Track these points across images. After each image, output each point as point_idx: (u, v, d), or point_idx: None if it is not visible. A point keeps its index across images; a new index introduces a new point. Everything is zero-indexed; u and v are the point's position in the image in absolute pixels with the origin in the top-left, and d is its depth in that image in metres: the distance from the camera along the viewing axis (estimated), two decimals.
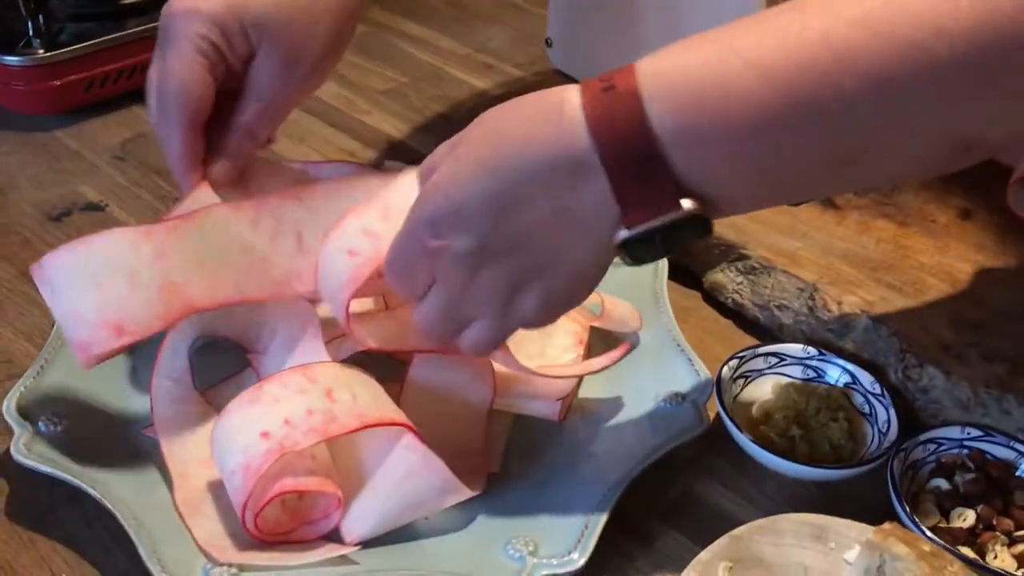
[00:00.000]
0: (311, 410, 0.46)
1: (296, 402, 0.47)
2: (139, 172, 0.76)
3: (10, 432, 0.53)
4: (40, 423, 0.50)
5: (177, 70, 0.53)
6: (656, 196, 0.40)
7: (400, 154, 0.80)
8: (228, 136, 0.56)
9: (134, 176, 0.76)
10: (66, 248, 0.48)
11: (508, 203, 0.41)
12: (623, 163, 0.39)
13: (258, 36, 0.54)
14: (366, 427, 0.46)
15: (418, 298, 0.46)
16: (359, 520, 0.47)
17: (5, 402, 0.51)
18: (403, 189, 0.48)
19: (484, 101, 0.80)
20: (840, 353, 0.58)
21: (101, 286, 0.47)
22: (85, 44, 0.80)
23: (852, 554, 0.47)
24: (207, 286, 0.50)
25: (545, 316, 0.45)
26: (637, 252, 0.42)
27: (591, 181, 0.40)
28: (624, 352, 0.56)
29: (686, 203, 0.40)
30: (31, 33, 0.78)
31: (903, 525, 0.49)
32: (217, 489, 0.49)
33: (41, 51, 0.78)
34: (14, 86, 0.79)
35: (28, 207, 0.72)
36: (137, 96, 0.85)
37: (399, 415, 0.48)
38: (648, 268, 0.64)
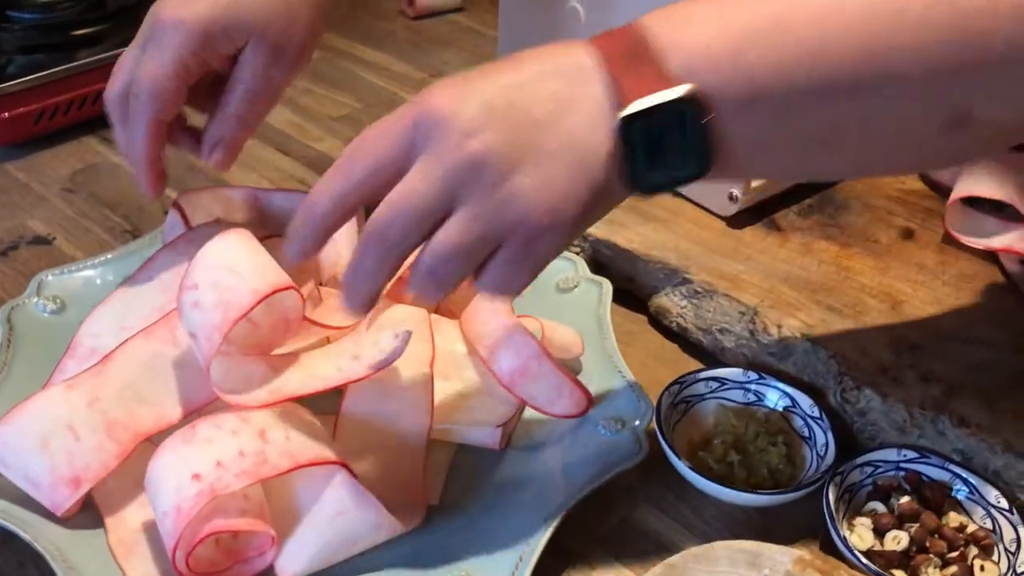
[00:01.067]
0: (243, 452, 0.46)
1: (228, 443, 0.47)
2: (88, 204, 0.76)
3: None
4: None
5: (153, 73, 0.55)
6: (649, 76, 0.40)
7: None
8: (222, 127, 0.58)
9: (83, 208, 0.76)
10: (3, 421, 0.49)
11: (511, 98, 0.41)
12: (619, 54, 0.41)
13: (243, 36, 0.56)
14: (299, 467, 0.46)
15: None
16: (293, 558, 0.47)
17: None
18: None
19: None
20: (780, 376, 0.58)
21: (47, 447, 0.49)
22: (35, 76, 0.80)
23: None
24: (154, 413, 0.52)
25: (547, 207, 0.41)
26: (640, 143, 0.41)
27: (592, 78, 0.41)
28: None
29: (681, 87, 0.40)
30: None
31: (837, 549, 0.49)
32: (152, 529, 0.49)
33: None
34: None
35: None
36: (88, 127, 0.85)
37: (331, 454, 0.48)
38: (592, 293, 0.64)
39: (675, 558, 0.48)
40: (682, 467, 0.53)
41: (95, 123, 0.85)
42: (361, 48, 1.03)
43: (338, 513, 0.47)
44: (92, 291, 0.62)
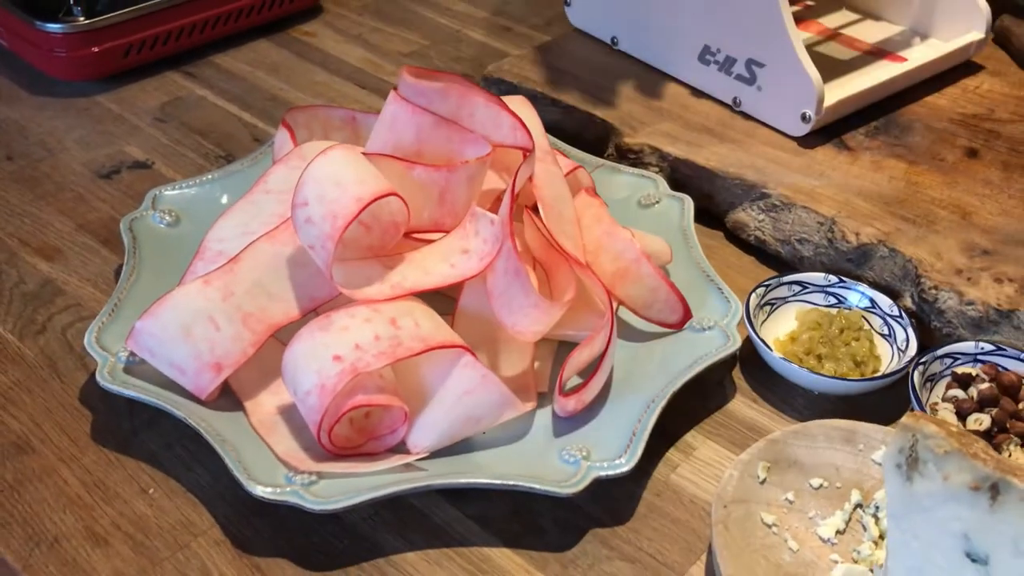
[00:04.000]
0: (378, 336, 0.50)
1: (364, 329, 0.50)
2: (181, 132, 0.80)
3: (87, 367, 0.57)
4: (119, 355, 0.54)
5: None
6: None
7: None
8: None
9: (176, 136, 0.79)
10: (148, 314, 0.53)
11: None
12: None
13: None
14: (430, 349, 0.50)
15: None
16: (423, 433, 0.51)
17: (87, 336, 0.54)
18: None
19: (505, 61, 0.83)
20: (861, 281, 0.62)
21: (189, 336, 0.52)
22: (122, 11, 0.83)
23: (879, 454, 0.51)
24: (282, 307, 0.55)
25: None
26: None
27: None
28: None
29: None
30: (71, 1, 0.81)
31: None
32: (288, 411, 0.53)
33: (81, 18, 0.81)
34: (56, 53, 0.82)
35: (78, 166, 0.75)
36: (172, 62, 0.88)
37: (458, 338, 0.52)
38: (675, 208, 0.67)
39: (775, 434, 0.52)
40: (773, 358, 0.56)
41: (179, 58, 0.89)
42: None
43: (465, 392, 0.51)
44: (202, 205, 0.66)
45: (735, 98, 0.75)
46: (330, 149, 0.55)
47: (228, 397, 0.54)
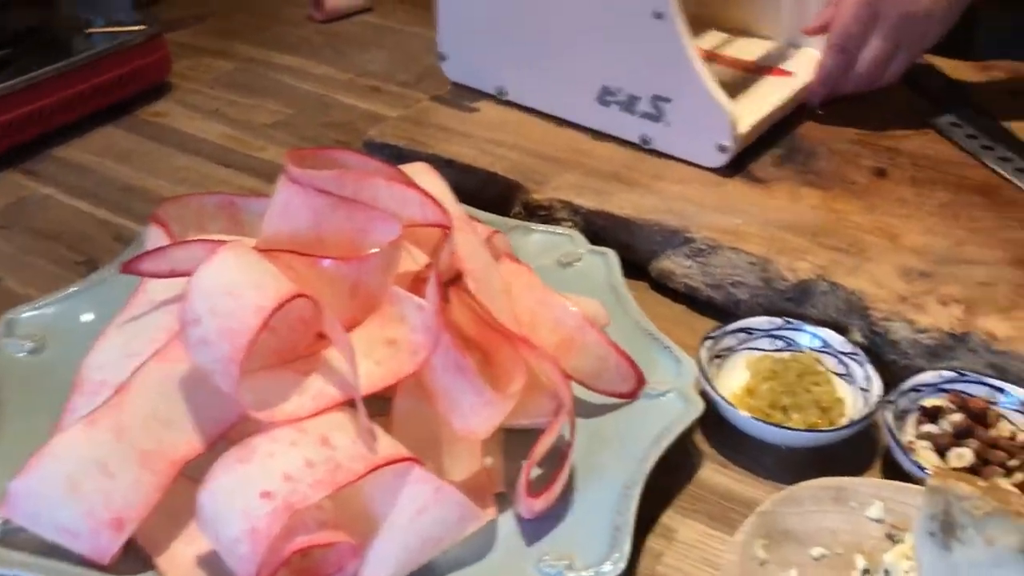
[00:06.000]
0: (310, 461, 0.43)
1: (291, 455, 0.43)
2: (27, 238, 0.70)
3: None
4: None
5: None
6: None
7: None
8: None
9: (23, 243, 0.69)
10: (24, 472, 0.44)
11: None
12: None
13: None
14: (376, 468, 0.43)
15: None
16: (379, 567, 0.44)
17: None
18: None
19: (381, 121, 0.77)
20: (805, 319, 0.59)
21: (78, 490, 0.44)
22: None
23: (873, 510, 0.47)
24: (184, 438, 0.47)
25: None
26: None
27: None
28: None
29: None
30: None
31: (903, 472, 0.50)
32: (211, 561, 0.45)
33: None
34: None
35: None
36: (8, 160, 0.78)
37: (403, 449, 0.45)
38: (598, 264, 0.63)
39: (764, 505, 0.47)
40: (741, 418, 0.52)
41: (15, 156, 0.78)
42: (278, 55, 0.99)
43: (419, 511, 0.44)
44: (68, 325, 0.57)
45: (643, 136, 0.71)
46: (218, 253, 0.48)
47: (134, 555, 0.45)
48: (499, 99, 0.78)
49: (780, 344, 0.58)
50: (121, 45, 0.85)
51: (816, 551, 0.46)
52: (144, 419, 0.46)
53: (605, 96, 0.72)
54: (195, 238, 0.56)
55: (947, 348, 0.56)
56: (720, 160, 0.69)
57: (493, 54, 0.77)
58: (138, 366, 0.48)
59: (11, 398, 0.52)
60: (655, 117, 0.70)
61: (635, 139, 0.72)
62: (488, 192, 0.71)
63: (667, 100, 0.69)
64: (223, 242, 0.50)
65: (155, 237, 0.58)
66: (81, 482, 0.44)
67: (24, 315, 0.57)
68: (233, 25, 1.04)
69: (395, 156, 0.73)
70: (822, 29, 0.74)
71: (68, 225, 0.71)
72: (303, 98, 0.91)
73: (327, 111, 0.89)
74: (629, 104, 0.71)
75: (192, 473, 0.46)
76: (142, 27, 0.88)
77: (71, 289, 0.59)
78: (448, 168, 0.71)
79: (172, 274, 0.53)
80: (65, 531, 0.44)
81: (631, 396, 0.53)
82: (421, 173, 0.58)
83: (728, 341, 0.58)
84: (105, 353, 0.51)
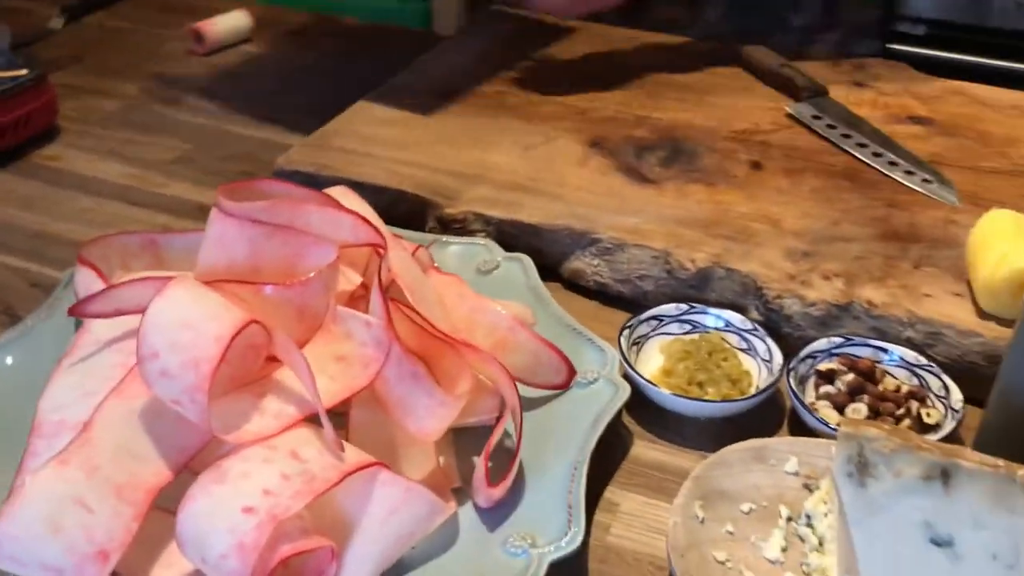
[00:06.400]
0: (286, 474, 0.46)
1: (266, 472, 0.46)
2: None
3: None
4: None
5: None
6: None
7: None
8: None
9: None
10: (0, 519, 0.45)
11: None
12: None
13: None
14: (348, 475, 0.46)
15: None
16: (357, 567, 0.47)
17: None
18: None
19: (279, 149, 0.80)
20: (707, 303, 0.65)
21: (59, 529, 0.45)
22: None
23: (790, 465, 0.53)
24: (152, 468, 0.49)
25: None
26: None
27: None
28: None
29: None
30: None
31: (808, 429, 0.56)
32: None
33: None
34: None
35: None
36: None
37: (369, 456, 0.48)
38: (515, 269, 0.67)
39: (696, 471, 0.52)
40: (664, 396, 0.57)
41: None
42: (164, 91, 0.99)
43: (390, 512, 0.47)
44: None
45: None
46: (166, 288, 0.50)
47: None
48: (393, 120, 0.82)
49: (688, 327, 0.64)
50: (7, 91, 0.84)
51: (746, 506, 0.52)
52: (113, 454, 0.48)
53: None
54: (132, 277, 0.57)
55: (834, 317, 0.63)
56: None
57: None
58: (98, 404, 0.50)
59: None
60: None
61: None
62: (398, 209, 0.74)
63: None
64: (169, 278, 0.52)
65: (86, 278, 0.59)
66: (61, 520, 0.45)
67: None
68: (113, 64, 1.04)
69: (307, 182, 0.75)
70: None
71: None
72: (198, 132, 0.92)
73: (224, 143, 0.90)
74: None
75: (160, 503, 0.48)
76: (24, 71, 0.87)
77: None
78: (359, 189, 0.74)
79: (118, 313, 0.54)
80: (51, 569, 0.45)
81: (564, 387, 0.58)
82: (344, 195, 0.61)
83: (642, 329, 0.63)
84: (60, 394, 0.52)
